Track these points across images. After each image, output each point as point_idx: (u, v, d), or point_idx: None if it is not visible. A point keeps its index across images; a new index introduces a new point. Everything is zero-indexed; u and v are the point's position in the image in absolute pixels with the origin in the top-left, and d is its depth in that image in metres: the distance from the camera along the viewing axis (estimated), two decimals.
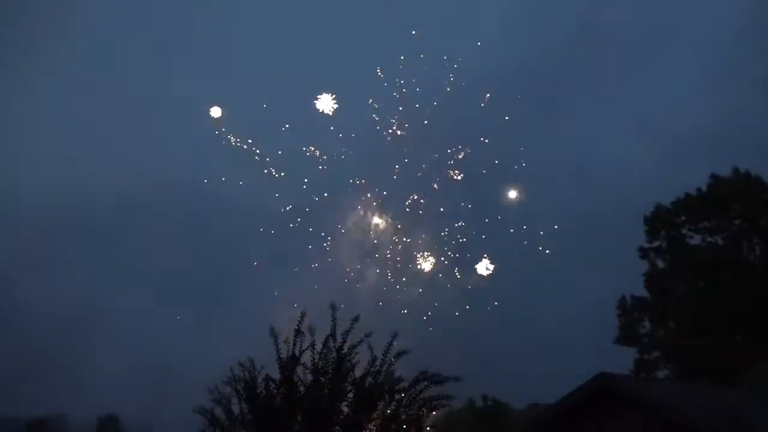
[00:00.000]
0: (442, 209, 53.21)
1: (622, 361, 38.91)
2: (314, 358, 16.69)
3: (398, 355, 16.86)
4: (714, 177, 40.09)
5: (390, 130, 50.36)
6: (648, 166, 66.40)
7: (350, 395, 16.75)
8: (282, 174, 51.23)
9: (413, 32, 52.04)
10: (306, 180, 52.67)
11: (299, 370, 16.79)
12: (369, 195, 52.90)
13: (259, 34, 74.07)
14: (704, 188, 40.07)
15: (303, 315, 16.97)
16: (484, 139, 51.76)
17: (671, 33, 73.53)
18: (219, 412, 17.08)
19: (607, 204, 60.43)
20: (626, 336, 39.89)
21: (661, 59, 72.72)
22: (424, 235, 51.76)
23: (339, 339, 16.71)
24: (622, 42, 70.31)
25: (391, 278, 52.55)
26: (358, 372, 16.81)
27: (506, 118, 51.91)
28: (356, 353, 16.77)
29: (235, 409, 17.02)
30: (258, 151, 50.79)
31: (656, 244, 40.88)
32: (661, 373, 38.51)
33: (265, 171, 51.29)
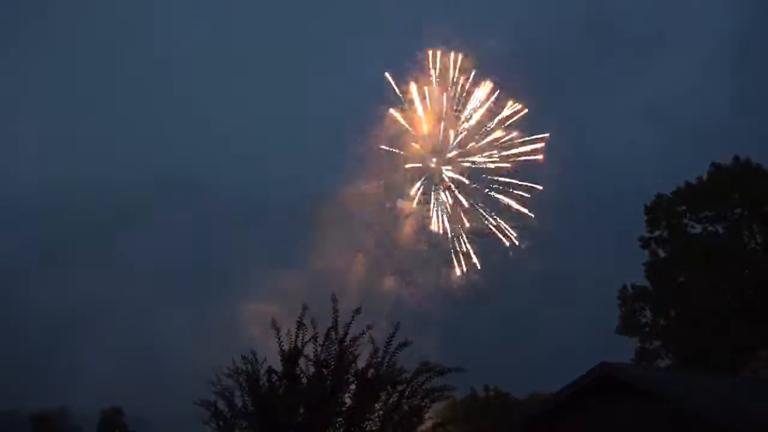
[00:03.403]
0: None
1: (624, 350, 39.01)
2: (316, 350, 16.72)
3: (400, 347, 16.88)
4: (714, 165, 40.01)
5: None
6: (651, 154, 66.24)
7: (352, 387, 16.79)
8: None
9: None
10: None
11: (301, 362, 16.84)
12: None
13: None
14: (705, 177, 40.00)
15: (305, 308, 17.00)
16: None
17: (678, 21, 73.45)
18: (222, 404, 17.13)
19: (609, 192, 60.34)
20: (627, 325, 39.91)
21: (667, 47, 72.67)
22: None
23: (341, 331, 16.73)
24: (629, 29, 70.13)
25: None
26: (360, 364, 16.86)
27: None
28: (358, 345, 16.81)
29: (238, 401, 17.07)
30: None
31: (657, 233, 40.86)
32: (663, 363, 38.57)
33: None
